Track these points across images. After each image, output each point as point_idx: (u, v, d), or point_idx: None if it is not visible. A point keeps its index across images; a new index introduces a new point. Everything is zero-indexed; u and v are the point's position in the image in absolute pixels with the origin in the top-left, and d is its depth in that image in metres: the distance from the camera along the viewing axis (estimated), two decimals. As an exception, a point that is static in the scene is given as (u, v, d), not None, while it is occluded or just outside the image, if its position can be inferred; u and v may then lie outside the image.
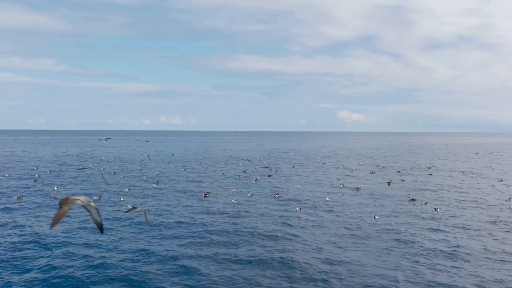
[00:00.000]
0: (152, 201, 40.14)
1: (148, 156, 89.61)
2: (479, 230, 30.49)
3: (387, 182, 46.58)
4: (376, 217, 33.71)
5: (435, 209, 37.22)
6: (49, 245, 25.21)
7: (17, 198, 40.15)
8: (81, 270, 21.25)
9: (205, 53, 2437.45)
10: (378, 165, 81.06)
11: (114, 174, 61.68)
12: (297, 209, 36.86)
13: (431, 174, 65.88)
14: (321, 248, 25.61)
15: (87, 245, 25.39)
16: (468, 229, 30.79)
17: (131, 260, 22.81)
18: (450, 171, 72.51)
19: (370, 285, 19.97)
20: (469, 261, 23.48)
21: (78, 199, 11.87)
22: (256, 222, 31.91)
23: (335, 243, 26.74)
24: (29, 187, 48.07)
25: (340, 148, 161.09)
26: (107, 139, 75.35)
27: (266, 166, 76.12)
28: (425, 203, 39.79)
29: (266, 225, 31.06)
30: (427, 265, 22.61)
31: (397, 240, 27.49)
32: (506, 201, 42.21)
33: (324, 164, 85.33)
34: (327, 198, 42.16)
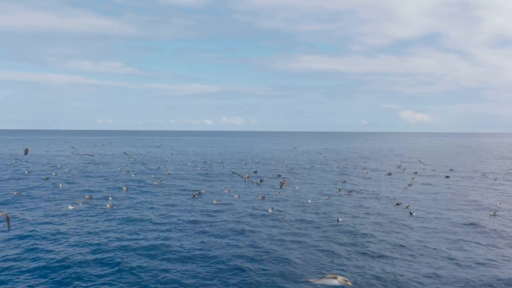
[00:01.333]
0: (141, 199, 41.25)
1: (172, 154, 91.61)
2: (437, 232, 29.12)
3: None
4: (339, 219, 32.92)
5: (411, 213, 35.84)
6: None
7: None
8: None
9: (265, 53, 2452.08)
10: (399, 167, 78.67)
11: (127, 172, 63.97)
12: (270, 210, 36.54)
13: (447, 177, 63.19)
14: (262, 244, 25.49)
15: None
16: (430, 232, 29.47)
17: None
18: (469, 173, 68.98)
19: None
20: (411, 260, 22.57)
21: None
22: (215, 223, 32.12)
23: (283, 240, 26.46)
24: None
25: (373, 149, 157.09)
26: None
27: (284, 168, 75.71)
28: (407, 206, 38.41)
29: (227, 223, 31.25)
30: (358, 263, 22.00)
31: (348, 241, 26.83)
32: (497, 203, 40.09)
33: (327, 161, 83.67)
34: (309, 201, 41.51)
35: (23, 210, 35.74)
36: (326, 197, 43.59)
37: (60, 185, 49.51)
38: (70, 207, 35.92)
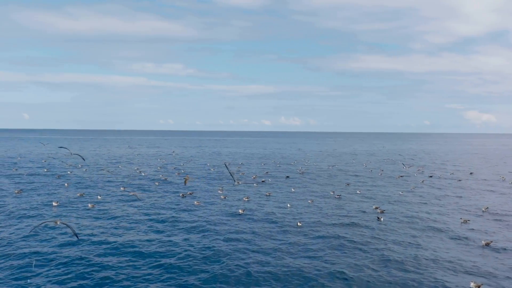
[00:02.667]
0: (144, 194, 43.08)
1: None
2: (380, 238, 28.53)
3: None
4: (298, 223, 32.87)
5: (378, 218, 35.09)
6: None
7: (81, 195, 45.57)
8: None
9: (324, 53, 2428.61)
10: (419, 170, 76.34)
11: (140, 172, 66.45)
12: (240, 211, 37.05)
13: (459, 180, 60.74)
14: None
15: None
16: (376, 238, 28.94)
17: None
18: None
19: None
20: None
21: None
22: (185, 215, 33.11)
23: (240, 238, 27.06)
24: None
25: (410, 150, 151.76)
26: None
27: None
28: (382, 211, 37.64)
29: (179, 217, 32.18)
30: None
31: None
32: (483, 210, 38.32)
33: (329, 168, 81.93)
34: (288, 205, 41.50)
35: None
36: (310, 201, 43.38)
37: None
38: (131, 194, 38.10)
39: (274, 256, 25.39)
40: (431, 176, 65.70)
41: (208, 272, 22.68)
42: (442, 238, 30.13)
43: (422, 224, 34.16)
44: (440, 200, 45.73)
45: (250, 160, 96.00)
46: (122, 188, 49.72)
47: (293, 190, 51.24)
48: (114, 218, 34.66)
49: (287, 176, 63.05)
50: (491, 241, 28.32)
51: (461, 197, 47.93)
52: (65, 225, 25.99)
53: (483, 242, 28.14)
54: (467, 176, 67.34)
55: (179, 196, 45.38)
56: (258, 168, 77.11)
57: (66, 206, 38.74)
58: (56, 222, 16.23)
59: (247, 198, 44.32)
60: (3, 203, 40.15)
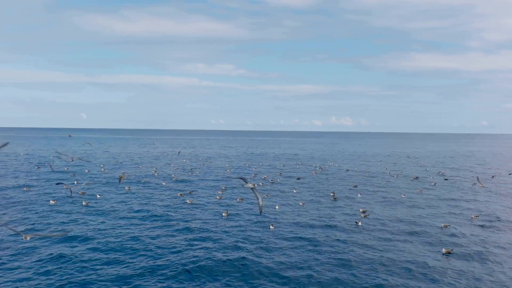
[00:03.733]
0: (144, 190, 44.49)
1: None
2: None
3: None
4: (271, 227, 32.80)
5: (356, 222, 34.44)
6: None
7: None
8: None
9: (377, 52, 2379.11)
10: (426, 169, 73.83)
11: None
12: (224, 214, 37.45)
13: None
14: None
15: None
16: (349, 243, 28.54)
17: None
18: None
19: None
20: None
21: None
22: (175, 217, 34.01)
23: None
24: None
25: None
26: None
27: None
28: (366, 216, 36.92)
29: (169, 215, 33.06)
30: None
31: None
32: (472, 218, 36.91)
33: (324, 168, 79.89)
34: (277, 207, 41.47)
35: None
36: (301, 203, 43.08)
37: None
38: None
39: (217, 250, 25.71)
40: (446, 179, 63.38)
41: (137, 266, 23.33)
42: (411, 242, 29.34)
43: (400, 227, 33.29)
44: (438, 203, 44.28)
45: (274, 162, 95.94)
46: (126, 188, 50.76)
47: (294, 191, 51.02)
48: (102, 215, 36.02)
49: (298, 178, 62.75)
50: (452, 250, 27.26)
51: (462, 200, 46.22)
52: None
53: (444, 250, 27.14)
54: (487, 179, 64.42)
55: (176, 195, 46.30)
56: (276, 169, 77.12)
57: (63, 204, 40.53)
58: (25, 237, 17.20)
59: (241, 199, 44.65)
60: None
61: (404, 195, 48.47)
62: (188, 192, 47.84)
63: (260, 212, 23.99)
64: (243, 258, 25.22)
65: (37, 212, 36.39)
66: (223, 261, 24.72)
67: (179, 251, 26.37)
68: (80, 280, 21.71)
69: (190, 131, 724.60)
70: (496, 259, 26.27)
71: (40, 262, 24.04)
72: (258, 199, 22.03)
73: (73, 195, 42.42)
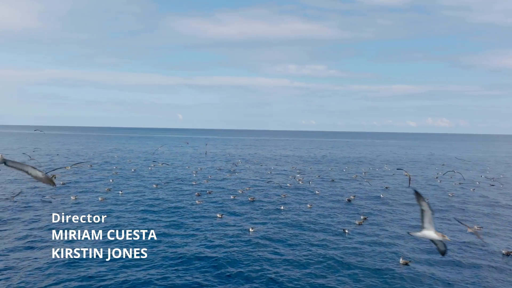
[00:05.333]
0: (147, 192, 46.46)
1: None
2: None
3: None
4: (251, 230, 32.59)
5: (344, 230, 33.04)
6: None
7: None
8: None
9: (477, 50, 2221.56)
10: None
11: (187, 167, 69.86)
12: (218, 215, 37.83)
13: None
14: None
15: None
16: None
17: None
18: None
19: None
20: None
21: None
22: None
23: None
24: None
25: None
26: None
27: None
28: (360, 223, 35.35)
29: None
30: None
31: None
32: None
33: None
34: (282, 207, 40.95)
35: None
36: (308, 205, 42.14)
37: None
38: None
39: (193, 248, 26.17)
40: (460, 183, 59.13)
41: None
42: (378, 251, 27.77)
43: (386, 233, 31.64)
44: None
45: (335, 165, 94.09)
46: (154, 186, 52.43)
47: (317, 192, 50.14)
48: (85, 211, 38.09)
49: (333, 180, 61.20)
50: (409, 261, 25.42)
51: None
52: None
53: (402, 261, 25.33)
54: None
55: (194, 194, 47.26)
56: (322, 172, 75.64)
57: (80, 202, 43.32)
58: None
59: (252, 198, 44.75)
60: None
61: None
62: (207, 192, 48.66)
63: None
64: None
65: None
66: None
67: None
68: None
69: (281, 132, 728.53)
70: None
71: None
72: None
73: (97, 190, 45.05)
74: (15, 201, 39.90)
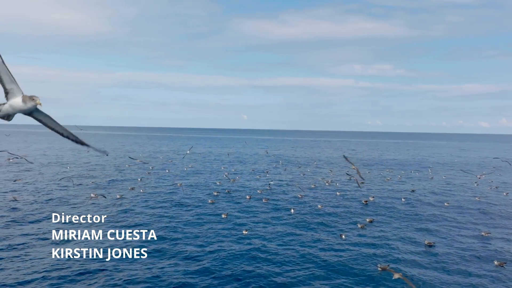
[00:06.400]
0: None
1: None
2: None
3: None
4: (244, 232, 32.39)
5: (341, 236, 31.97)
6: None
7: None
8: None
9: None
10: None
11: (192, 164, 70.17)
12: (223, 215, 38.04)
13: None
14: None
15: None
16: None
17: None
18: None
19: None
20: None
21: None
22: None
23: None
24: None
25: None
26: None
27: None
28: (362, 227, 34.16)
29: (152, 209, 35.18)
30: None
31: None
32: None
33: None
34: (292, 210, 40.42)
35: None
36: (319, 206, 41.29)
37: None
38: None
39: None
40: (497, 187, 55.11)
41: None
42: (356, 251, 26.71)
43: (378, 238, 30.39)
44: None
45: (377, 167, 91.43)
46: (178, 184, 53.78)
47: (338, 194, 49.11)
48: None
49: (362, 182, 59.47)
50: (388, 266, 24.16)
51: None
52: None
53: (379, 268, 24.21)
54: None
55: (211, 193, 47.85)
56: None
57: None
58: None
59: (267, 199, 44.54)
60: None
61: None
62: (226, 191, 49.06)
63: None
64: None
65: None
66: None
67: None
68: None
69: (345, 133, 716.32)
70: None
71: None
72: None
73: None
74: (16, 200, 40.74)
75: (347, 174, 63.15)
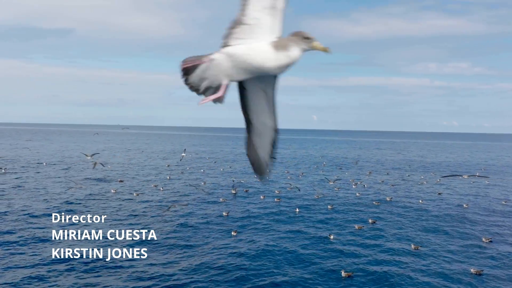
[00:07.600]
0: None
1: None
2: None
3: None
4: (233, 233, 32.63)
5: (329, 236, 31.53)
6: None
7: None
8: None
9: None
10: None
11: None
12: (224, 213, 38.77)
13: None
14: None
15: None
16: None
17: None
18: None
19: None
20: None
21: None
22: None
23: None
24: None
25: None
26: None
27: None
28: (359, 228, 33.53)
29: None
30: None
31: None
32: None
33: None
34: (297, 210, 40.34)
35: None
36: (329, 206, 40.83)
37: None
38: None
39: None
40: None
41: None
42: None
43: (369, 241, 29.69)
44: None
45: (421, 170, 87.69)
46: (203, 183, 55.10)
47: (357, 194, 48.18)
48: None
49: (393, 184, 57.57)
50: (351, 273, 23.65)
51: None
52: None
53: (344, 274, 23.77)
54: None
55: (228, 192, 48.40)
56: (392, 176, 71.22)
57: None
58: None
59: (278, 199, 44.57)
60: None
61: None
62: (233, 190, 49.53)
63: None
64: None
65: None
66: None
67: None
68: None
69: (419, 133, 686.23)
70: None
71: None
72: None
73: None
74: (16, 200, 41.39)
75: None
